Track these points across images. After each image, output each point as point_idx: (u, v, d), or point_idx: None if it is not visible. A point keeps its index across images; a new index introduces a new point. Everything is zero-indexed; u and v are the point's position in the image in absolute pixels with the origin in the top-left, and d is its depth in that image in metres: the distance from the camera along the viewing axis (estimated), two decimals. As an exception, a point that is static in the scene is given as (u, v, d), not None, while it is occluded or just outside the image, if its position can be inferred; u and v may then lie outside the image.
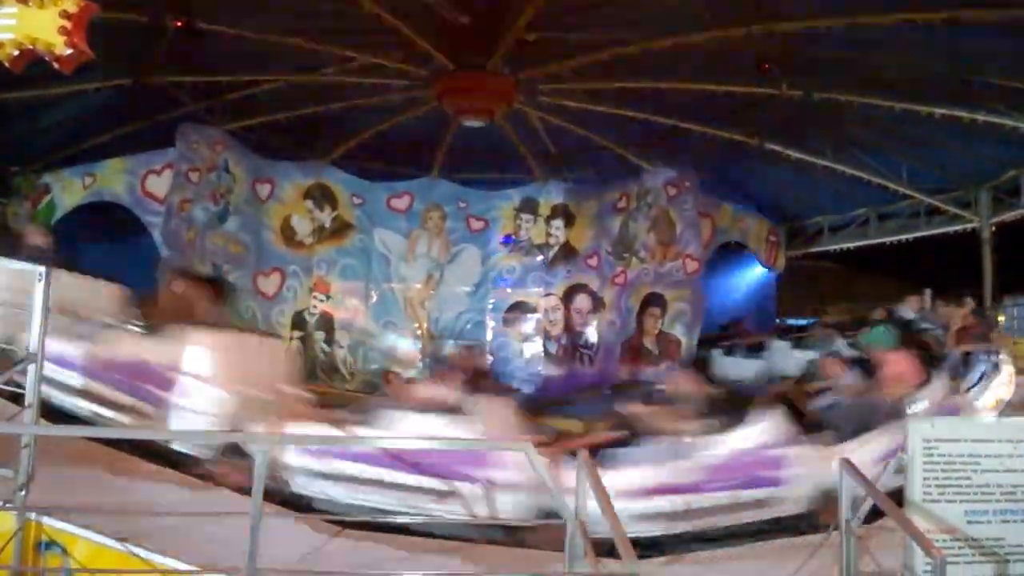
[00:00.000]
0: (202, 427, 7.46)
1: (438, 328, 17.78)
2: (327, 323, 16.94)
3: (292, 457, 7.10)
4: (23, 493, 4.74)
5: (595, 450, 7.09)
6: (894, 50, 11.30)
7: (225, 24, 11.81)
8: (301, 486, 7.14)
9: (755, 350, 14.59)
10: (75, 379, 7.92)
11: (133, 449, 7.03)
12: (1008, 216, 15.16)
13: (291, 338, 16.39)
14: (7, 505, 4.67)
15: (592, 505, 4.13)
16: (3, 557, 4.55)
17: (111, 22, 10.42)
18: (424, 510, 6.76)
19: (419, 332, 17.71)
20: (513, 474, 6.61)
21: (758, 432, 7.31)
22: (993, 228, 15.42)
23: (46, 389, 5.79)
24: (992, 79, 11.44)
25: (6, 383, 5.15)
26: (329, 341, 16.86)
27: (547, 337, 17.85)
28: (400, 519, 6.44)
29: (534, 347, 17.92)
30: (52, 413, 7.09)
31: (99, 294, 9.22)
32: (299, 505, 6.91)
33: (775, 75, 11.95)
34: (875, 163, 15.27)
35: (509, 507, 6.67)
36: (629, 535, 3.52)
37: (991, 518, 4.20)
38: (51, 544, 4.74)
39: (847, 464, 4.61)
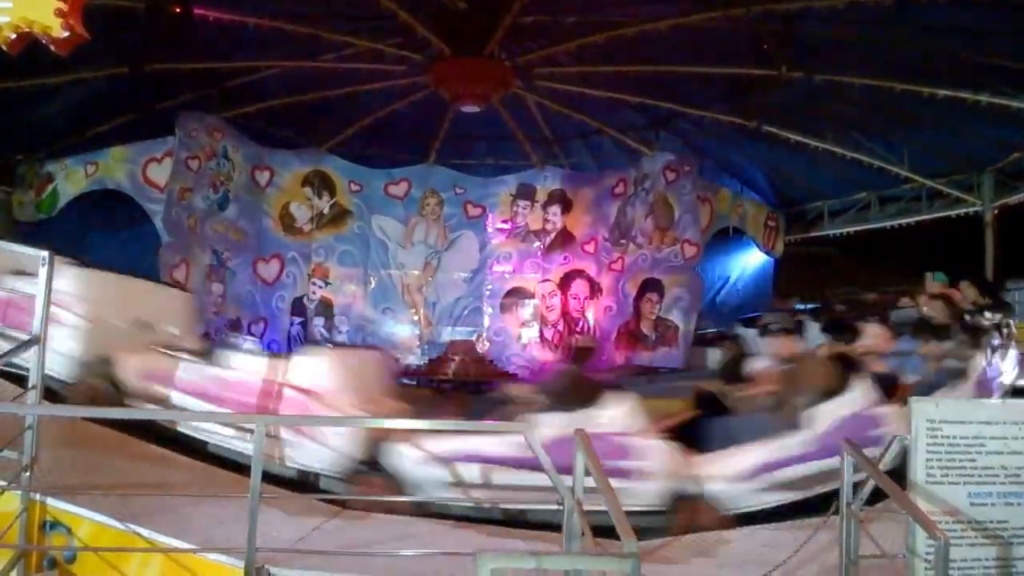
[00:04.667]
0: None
1: (435, 314, 17.82)
2: (326, 309, 17.05)
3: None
4: (27, 474, 4.76)
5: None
6: (896, 29, 11.23)
7: (222, 10, 11.76)
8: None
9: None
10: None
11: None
12: (1011, 200, 15.06)
13: (291, 323, 16.49)
14: (12, 486, 4.68)
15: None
16: (9, 537, 4.57)
17: (109, 8, 10.43)
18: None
19: (416, 318, 17.74)
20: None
21: None
22: (995, 212, 15.35)
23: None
24: (996, 60, 11.32)
25: (9, 365, 5.16)
26: (329, 327, 16.94)
27: (544, 323, 17.88)
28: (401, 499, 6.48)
29: (531, 333, 17.96)
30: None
31: None
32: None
33: (774, 56, 11.87)
34: (876, 146, 15.18)
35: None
36: None
37: (995, 500, 4.17)
38: (56, 524, 4.76)
39: (849, 445, 4.59)
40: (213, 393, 7.86)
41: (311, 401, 7.59)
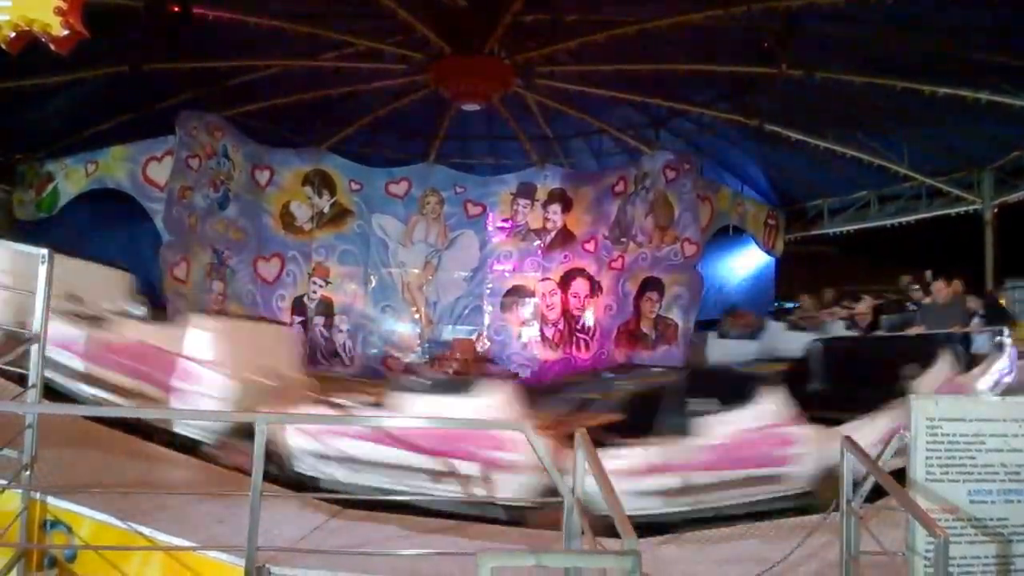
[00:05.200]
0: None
1: (436, 313, 17.83)
2: (327, 308, 17.06)
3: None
4: (27, 473, 4.76)
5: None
6: (896, 28, 11.23)
7: (222, 9, 11.76)
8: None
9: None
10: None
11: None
12: (1011, 198, 15.11)
13: (292, 323, 16.49)
14: (12, 485, 4.68)
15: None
16: (9, 535, 4.57)
17: (109, 7, 10.43)
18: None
19: (417, 316, 17.75)
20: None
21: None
22: (995, 210, 15.38)
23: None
24: (996, 58, 11.34)
25: (9, 364, 5.15)
26: (329, 326, 16.95)
27: (544, 322, 17.89)
28: (399, 498, 6.47)
29: (531, 331, 17.96)
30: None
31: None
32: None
33: (774, 54, 11.87)
34: (876, 144, 15.19)
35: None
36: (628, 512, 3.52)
37: (995, 498, 4.15)
38: (56, 523, 4.77)
39: (849, 442, 4.59)
40: (95, 354, 8.12)
41: (195, 368, 7.90)
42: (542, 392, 9.37)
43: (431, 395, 7.52)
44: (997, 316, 11.64)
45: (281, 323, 12.99)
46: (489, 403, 7.21)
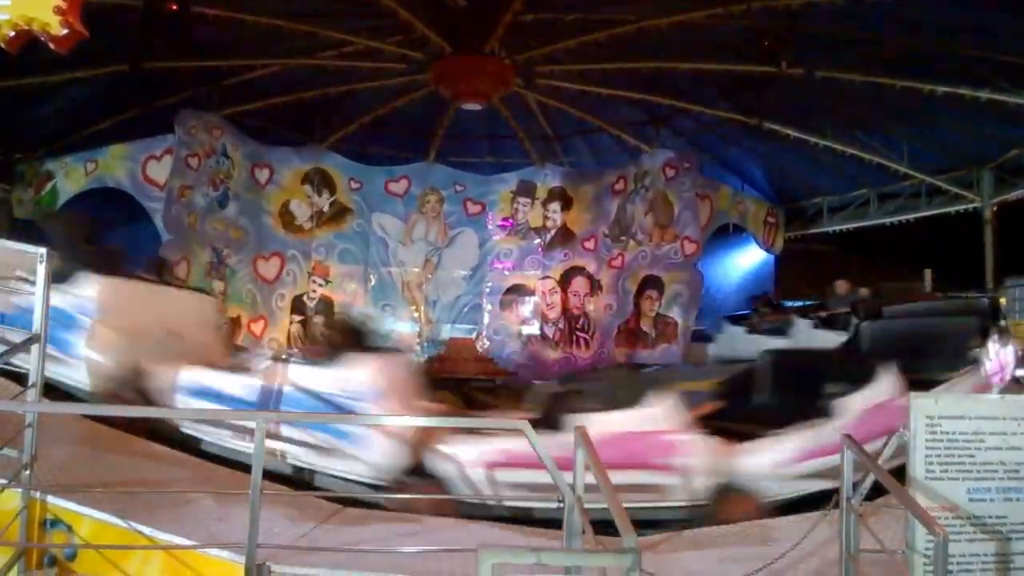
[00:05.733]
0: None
1: (436, 311, 17.83)
2: (327, 307, 17.02)
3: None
4: (27, 472, 4.76)
5: None
6: (896, 26, 11.23)
7: (222, 8, 11.75)
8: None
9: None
10: None
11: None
12: (1011, 196, 15.10)
13: (291, 321, 16.47)
14: (12, 484, 4.68)
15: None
16: (9, 534, 4.57)
17: (108, 6, 10.42)
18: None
19: (417, 315, 17.76)
20: None
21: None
22: (995, 208, 15.37)
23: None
24: (996, 56, 11.34)
25: (8, 363, 5.16)
26: (329, 324, 16.91)
27: (544, 320, 17.90)
28: (399, 497, 6.48)
29: (531, 330, 17.97)
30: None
31: None
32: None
33: (774, 53, 11.86)
34: (875, 143, 15.20)
35: None
36: None
37: (994, 496, 4.15)
38: (56, 522, 4.77)
39: (849, 440, 4.59)
40: None
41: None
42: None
43: (298, 365, 7.50)
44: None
45: (200, 291, 12.60)
46: (352, 376, 7.10)
